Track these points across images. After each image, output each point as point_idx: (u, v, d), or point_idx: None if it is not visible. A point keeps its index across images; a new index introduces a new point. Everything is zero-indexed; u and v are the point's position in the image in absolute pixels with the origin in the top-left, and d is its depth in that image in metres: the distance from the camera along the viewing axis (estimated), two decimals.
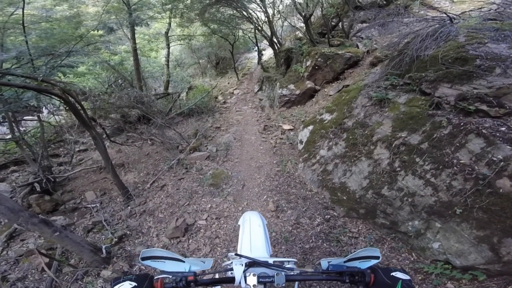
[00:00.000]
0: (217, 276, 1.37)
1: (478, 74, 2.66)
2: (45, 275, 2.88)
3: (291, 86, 6.82)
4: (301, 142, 4.76)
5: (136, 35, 8.18)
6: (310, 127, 4.65)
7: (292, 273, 0.98)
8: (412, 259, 2.53)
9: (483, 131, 2.30)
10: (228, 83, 12.27)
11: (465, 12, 4.57)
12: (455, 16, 3.84)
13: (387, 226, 2.82)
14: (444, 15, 3.78)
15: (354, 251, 1.04)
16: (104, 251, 2.92)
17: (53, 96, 3.44)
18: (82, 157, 6.29)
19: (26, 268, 3.01)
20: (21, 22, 4.32)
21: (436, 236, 2.38)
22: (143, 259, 0.97)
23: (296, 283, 1.35)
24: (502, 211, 2.01)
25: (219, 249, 3.08)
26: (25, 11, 4.46)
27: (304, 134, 4.73)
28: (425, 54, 3.26)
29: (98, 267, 2.86)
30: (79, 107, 3.56)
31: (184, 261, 1.03)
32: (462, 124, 2.48)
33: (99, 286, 2.71)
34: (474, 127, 2.37)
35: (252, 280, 0.93)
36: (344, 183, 3.40)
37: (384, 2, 7.90)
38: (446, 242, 2.30)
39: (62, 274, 2.92)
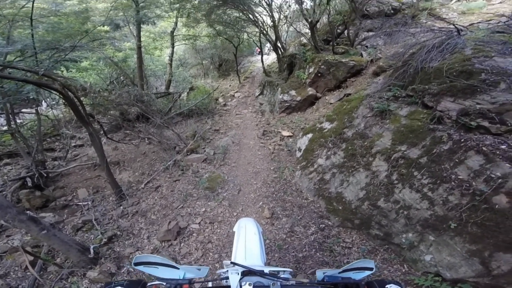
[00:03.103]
0: (210, 284, 1.35)
1: (482, 89, 2.63)
2: (28, 273, 2.82)
3: (293, 92, 6.80)
4: (299, 149, 4.73)
5: (141, 33, 8.19)
6: (310, 135, 4.62)
7: (287, 283, 0.98)
8: (403, 270, 2.55)
9: (484, 148, 2.28)
10: (230, 85, 12.29)
11: (473, 24, 4.42)
12: (462, 28, 3.77)
13: (381, 238, 2.81)
14: (452, 26, 3.72)
15: (347, 262, 1.05)
16: (92, 251, 2.85)
17: (52, 91, 3.40)
18: (78, 153, 6.23)
19: (9, 265, 2.95)
20: (30, 15, 4.30)
21: (429, 249, 2.40)
22: (136, 264, 0.96)
23: None
24: (496, 227, 2.03)
25: (211, 254, 3.02)
26: (36, 4, 4.45)
27: (303, 141, 4.70)
28: (430, 66, 3.22)
29: (85, 267, 2.80)
30: (78, 103, 3.53)
31: (178, 268, 1.02)
32: (462, 140, 2.46)
33: (84, 287, 2.64)
34: (475, 144, 2.35)
35: None
36: (341, 193, 3.37)
37: (392, 12, 7.95)
38: (438, 255, 2.32)
39: (46, 273, 2.85)
